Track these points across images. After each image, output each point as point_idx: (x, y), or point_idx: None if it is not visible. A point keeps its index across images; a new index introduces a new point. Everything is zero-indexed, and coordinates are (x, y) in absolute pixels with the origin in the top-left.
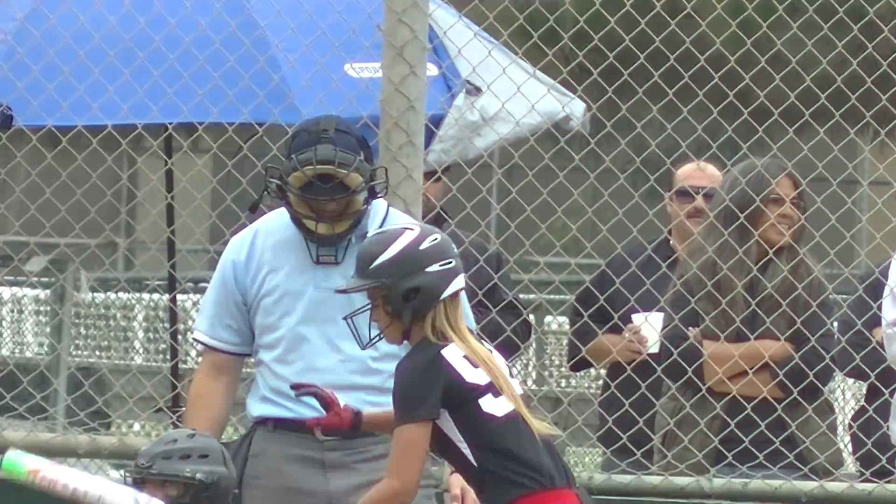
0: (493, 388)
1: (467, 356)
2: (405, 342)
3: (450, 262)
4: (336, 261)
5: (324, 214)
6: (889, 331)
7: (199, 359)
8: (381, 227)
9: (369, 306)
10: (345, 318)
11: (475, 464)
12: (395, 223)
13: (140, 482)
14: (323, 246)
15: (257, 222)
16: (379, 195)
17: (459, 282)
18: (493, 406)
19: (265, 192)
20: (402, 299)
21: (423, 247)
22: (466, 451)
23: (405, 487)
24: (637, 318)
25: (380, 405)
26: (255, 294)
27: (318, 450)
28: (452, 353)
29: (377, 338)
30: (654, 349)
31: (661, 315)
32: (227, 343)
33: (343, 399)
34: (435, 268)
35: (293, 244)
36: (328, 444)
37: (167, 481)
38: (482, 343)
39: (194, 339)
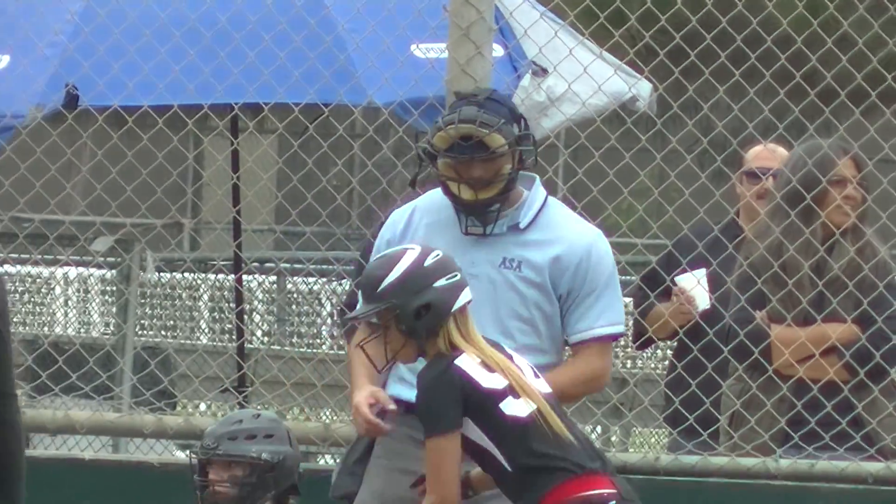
0: (512, 391)
1: (483, 362)
2: (419, 359)
3: (455, 276)
4: (484, 233)
5: (469, 179)
6: None
7: (266, 338)
8: (535, 216)
9: (380, 333)
10: (359, 345)
11: (510, 469)
12: (554, 213)
13: (206, 463)
14: (471, 216)
15: (417, 199)
16: (527, 162)
17: (467, 294)
18: (515, 408)
19: (421, 163)
20: (414, 317)
21: (427, 263)
22: (499, 457)
23: (445, 499)
24: (681, 280)
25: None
26: None
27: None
28: (466, 362)
29: (392, 362)
30: (705, 305)
31: (703, 270)
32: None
33: None
34: (442, 282)
35: (447, 225)
36: None
37: (233, 462)
38: (501, 349)
39: (349, 319)
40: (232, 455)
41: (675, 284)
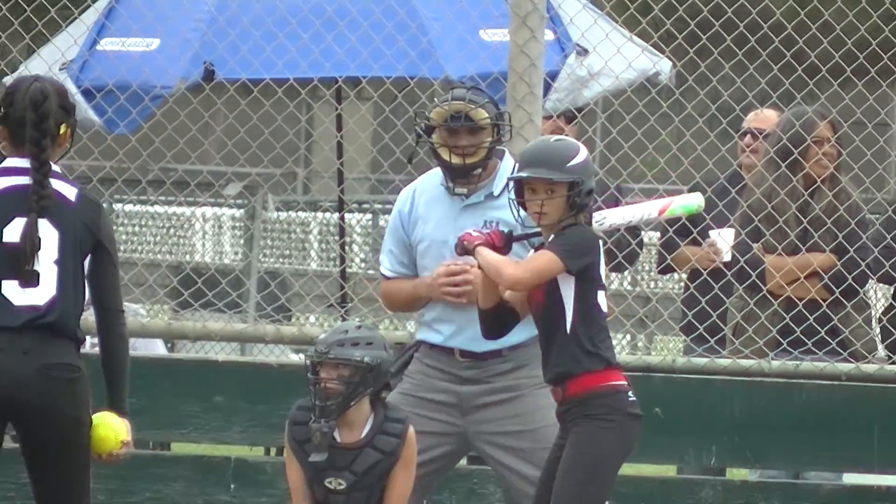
0: (604, 287)
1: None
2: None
3: None
4: (466, 196)
5: (457, 148)
6: None
7: (364, 264)
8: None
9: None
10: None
11: (567, 332)
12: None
13: (318, 364)
14: (458, 178)
15: (418, 180)
16: (503, 137)
17: None
18: (602, 301)
19: (418, 140)
20: (586, 195)
21: (588, 160)
22: (568, 320)
23: (519, 280)
24: (713, 234)
25: None
26: (414, 241)
27: (459, 367)
28: (599, 244)
29: (535, 227)
30: (727, 258)
31: (732, 231)
32: (402, 275)
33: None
34: (592, 176)
35: (441, 199)
36: (465, 364)
37: (340, 364)
38: None
39: (381, 274)
40: (340, 358)
41: (705, 237)
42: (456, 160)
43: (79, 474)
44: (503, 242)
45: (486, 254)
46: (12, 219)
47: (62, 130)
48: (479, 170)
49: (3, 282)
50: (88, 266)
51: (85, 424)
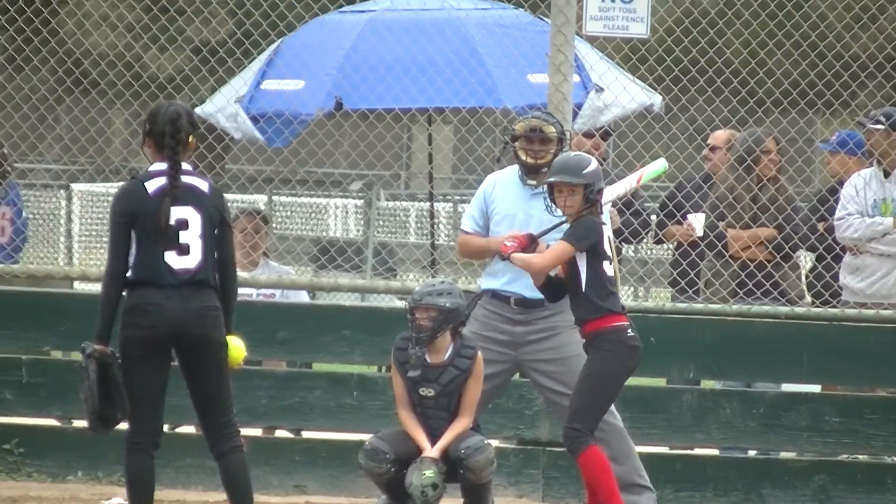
0: (608, 258)
1: (608, 237)
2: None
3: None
4: (535, 186)
5: (532, 152)
6: (837, 222)
7: (447, 238)
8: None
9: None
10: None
11: (583, 290)
12: None
13: (415, 308)
14: (531, 174)
15: (497, 173)
16: (564, 147)
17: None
18: (606, 267)
19: (504, 146)
20: (598, 193)
21: (599, 168)
22: (582, 281)
23: (543, 266)
24: (690, 217)
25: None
26: (491, 212)
27: (512, 312)
28: (605, 229)
29: (562, 216)
30: (700, 233)
31: (703, 215)
32: (476, 233)
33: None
34: (602, 180)
35: (515, 186)
36: (517, 310)
37: (430, 307)
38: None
39: (462, 230)
40: (430, 304)
41: (685, 219)
42: (531, 160)
43: (224, 379)
44: (529, 242)
45: (518, 256)
46: (169, 210)
47: (190, 140)
48: (545, 169)
49: (166, 253)
50: (217, 236)
51: (224, 345)
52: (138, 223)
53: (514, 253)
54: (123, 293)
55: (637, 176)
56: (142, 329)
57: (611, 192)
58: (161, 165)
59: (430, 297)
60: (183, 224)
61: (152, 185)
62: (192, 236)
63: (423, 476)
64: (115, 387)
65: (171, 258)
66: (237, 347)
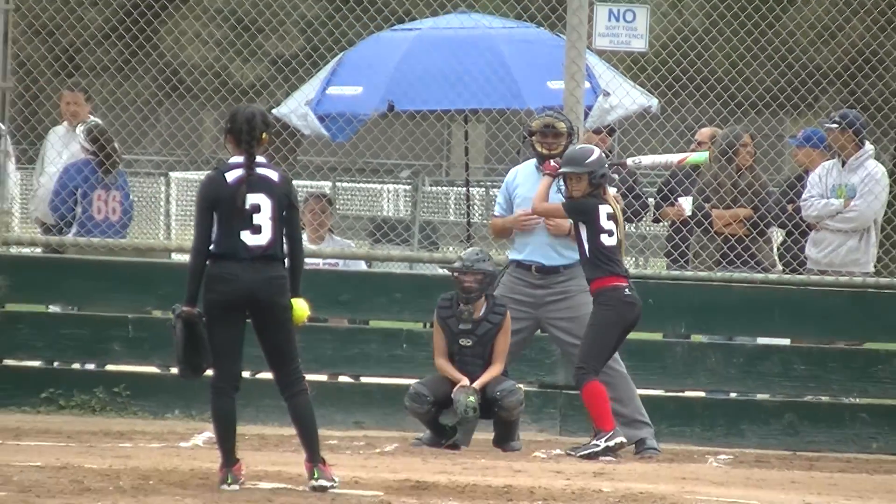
0: (607, 231)
1: (609, 214)
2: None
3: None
4: (552, 173)
5: (546, 145)
6: (802, 204)
7: (480, 217)
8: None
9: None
10: (558, 191)
11: (587, 256)
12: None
13: (462, 272)
14: (544, 162)
15: (518, 166)
16: (572, 141)
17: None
18: (604, 239)
19: (524, 139)
20: (601, 178)
21: (602, 156)
22: (586, 249)
23: (537, 200)
24: (681, 199)
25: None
26: (513, 197)
27: (534, 278)
28: (604, 208)
29: (571, 198)
30: (689, 213)
31: (691, 197)
32: (502, 215)
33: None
34: (606, 167)
35: (532, 176)
36: (537, 276)
37: (477, 272)
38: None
39: (493, 214)
40: (479, 269)
41: (677, 201)
42: (545, 151)
43: (289, 335)
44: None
45: (544, 182)
46: (245, 196)
47: (263, 137)
48: (559, 157)
49: (242, 232)
50: (285, 217)
51: (289, 308)
52: (219, 207)
53: (549, 172)
54: (207, 264)
55: (681, 157)
56: (221, 294)
57: (652, 160)
58: (239, 158)
59: (479, 263)
60: (256, 208)
61: (231, 175)
62: (263, 218)
63: (468, 399)
64: (200, 341)
65: (246, 236)
66: (301, 308)
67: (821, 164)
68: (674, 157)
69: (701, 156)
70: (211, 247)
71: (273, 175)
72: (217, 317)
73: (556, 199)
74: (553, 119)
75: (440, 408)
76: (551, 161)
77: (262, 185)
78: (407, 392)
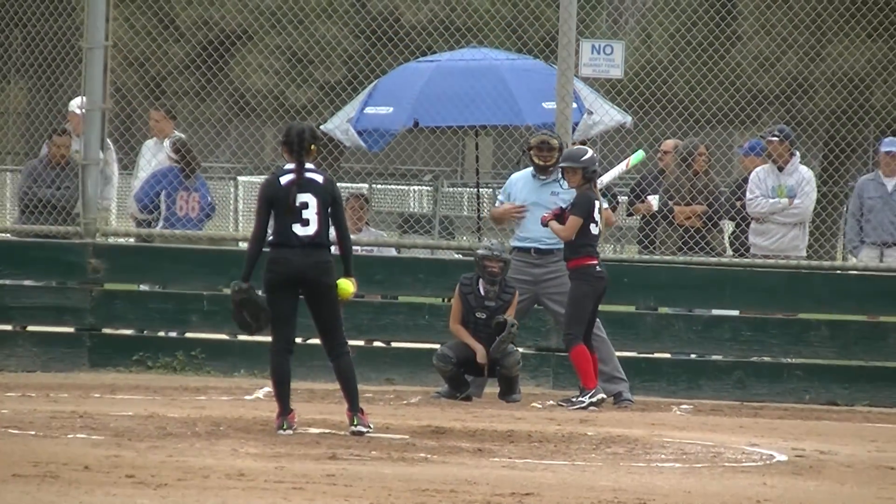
0: (595, 221)
1: (598, 208)
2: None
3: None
4: (545, 180)
5: (542, 157)
6: (748, 202)
7: (488, 213)
8: (559, 176)
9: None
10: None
11: (573, 238)
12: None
13: (489, 259)
14: (539, 174)
15: (517, 174)
16: (563, 154)
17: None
18: (591, 227)
19: (522, 153)
20: (592, 173)
21: (594, 156)
22: (573, 234)
23: (563, 234)
24: (650, 198)
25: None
26: (513, 198)
27: (532, 259)
28: (597, 203)
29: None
30: (656, 208)
31: (658, 197)
32: (500, 205)
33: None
34: (597, 164)
35: (529, 182)
36: (535, 258)
37: (501, 259)
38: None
39: (494, 206)
40: (496, 257)
41: (646, 199)
42: (541, 163)
43: (334, 308)
44: (559, 212)
45: (552, 224)
46: (295, 195)
47: (312, 148)
48: (551, 169)
49: (293, 224)
50: (330, 212)
51: (334, 286)
52: (275, 204)
53: (549, 221)
54: (265, 250)
55: (626, 162)
56: (277, 274)
57: (608, 175)
58: (291, 165)
59: (502, 252)
60: (305, 205)
61: (284, 179)
62: (311, 213)
63: (512, 319)
64: (253, 308)
65: (297, 228)
66: (346, 286)
67: (756, 169)
68: (622, 165)
69: (639, 155)
70: (270, 237)
71: (319, 178)
72: (275, 292)
73: (551, 199)
74: (548, 137)
75: (461, 366)
76: (546, 214)
77: (310, 186)
78: (435, 354)
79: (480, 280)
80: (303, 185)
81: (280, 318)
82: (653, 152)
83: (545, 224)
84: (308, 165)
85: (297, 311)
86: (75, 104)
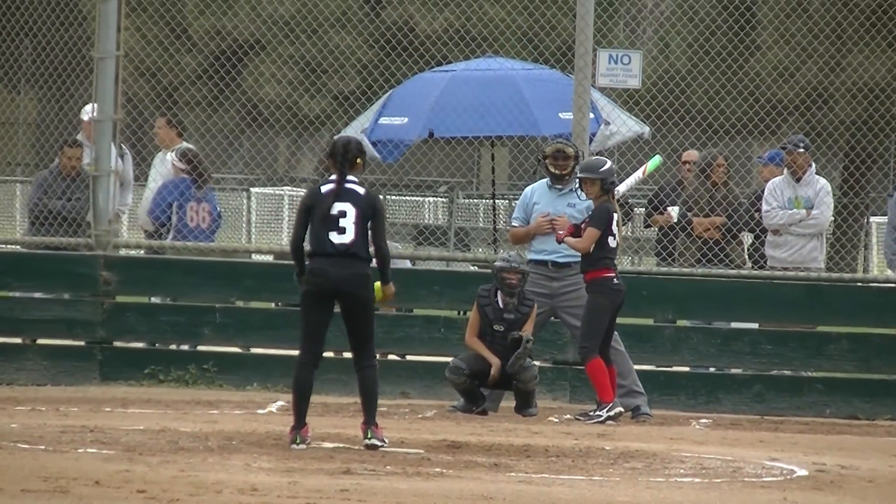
0: (613, 234)
1: (616, 220)
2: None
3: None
4: (562, 190)
5: (557, 167)
6: (764, 213)
7: (504, 224)
8: (576, 187)
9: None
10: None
11: (591, 250)
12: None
13: (506, 270)
14: (555, 184)
15: (534, 184)
16: (580, 164)
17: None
18: (609, 240)
19: (539, 162)
20: (611, 184)
21: (613, 167)
22: (590, 247)
23: (581, 248)
24: (669, 209)
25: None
26: (530, 210)
27: (550, 272)
28: (615, 215)
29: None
30: (675, 220)
31: (678, 207)
32: (521, 225)
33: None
34: (615, 175)
35: (546, 192)
36: (552, 271)
37: (520, 271)
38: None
39: (511, 224)
40: (514, 269)
41: (665, 210)
42: (557, 172)
43: (370, 319)
44: (574, 230)
45: (568, 240)
46: (333, 203)
47: (358, 161)
48: (567, 178)
49: (330, 233)
50: (371, 224)
51: (371, 299)
52: (313, 211)
53: (564, 238)
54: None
55: (642, 169)
56: (314, 285)
57: (625, 184)
58: (334, 176)
59: (520, 264)
60: (342, 214)
61: (325, 188)
62: (348, 222)
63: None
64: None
65: (333, 235)
66: (380, 290)
67: (771, 180)
68: (638, 173)
69: (655, 161)
70: (307, 245)
71: (359, 189)
72: (309, 304)
73: (566, 211)
74: (563, 145)
75: (474, 379)
76: (560, 232)
77: (349, 195)
78: (447, 366)
79: (499, 292)
80: (342, 194)
81: (310, 332)
82: (671, 163)
83: (560, 241)
84: (350, 177)
85: (328, 326)
86: (86, 111)
